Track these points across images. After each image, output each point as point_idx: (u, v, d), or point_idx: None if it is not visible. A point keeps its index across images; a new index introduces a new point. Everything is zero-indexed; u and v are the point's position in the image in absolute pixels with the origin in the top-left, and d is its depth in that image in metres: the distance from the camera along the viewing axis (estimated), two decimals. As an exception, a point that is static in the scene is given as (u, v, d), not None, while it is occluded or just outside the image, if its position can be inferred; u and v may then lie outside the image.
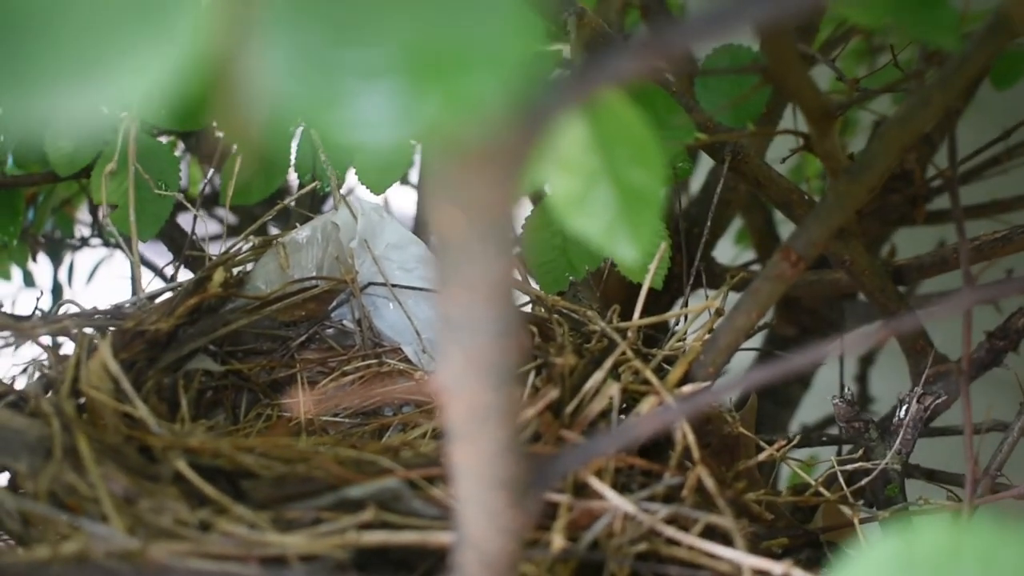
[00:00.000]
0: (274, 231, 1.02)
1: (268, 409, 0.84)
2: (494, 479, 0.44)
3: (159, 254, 1.22)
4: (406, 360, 0.86)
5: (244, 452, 0.62)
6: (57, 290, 1.48)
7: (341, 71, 0.22)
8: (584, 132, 0.46)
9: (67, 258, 1.49)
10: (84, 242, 1.46)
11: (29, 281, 1.46)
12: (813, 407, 1.46)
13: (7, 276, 1.42)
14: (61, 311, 0.79)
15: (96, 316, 0.77)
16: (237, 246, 0.84)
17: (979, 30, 0.61)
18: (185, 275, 0.94)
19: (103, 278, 1.51)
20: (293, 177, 0.99)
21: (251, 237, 0.84)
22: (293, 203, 1.00)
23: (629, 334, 0.76)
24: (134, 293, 0.84)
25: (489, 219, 0.35)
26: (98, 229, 1.43)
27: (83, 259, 1.52)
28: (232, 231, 0.95)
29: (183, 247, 1.09)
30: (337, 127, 0.22)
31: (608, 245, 0.48)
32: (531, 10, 0.24)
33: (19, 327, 0.73)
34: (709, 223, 0.91)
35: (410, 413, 0.84)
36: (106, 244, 1.44)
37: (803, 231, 0.67)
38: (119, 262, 1.48)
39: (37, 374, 0.71)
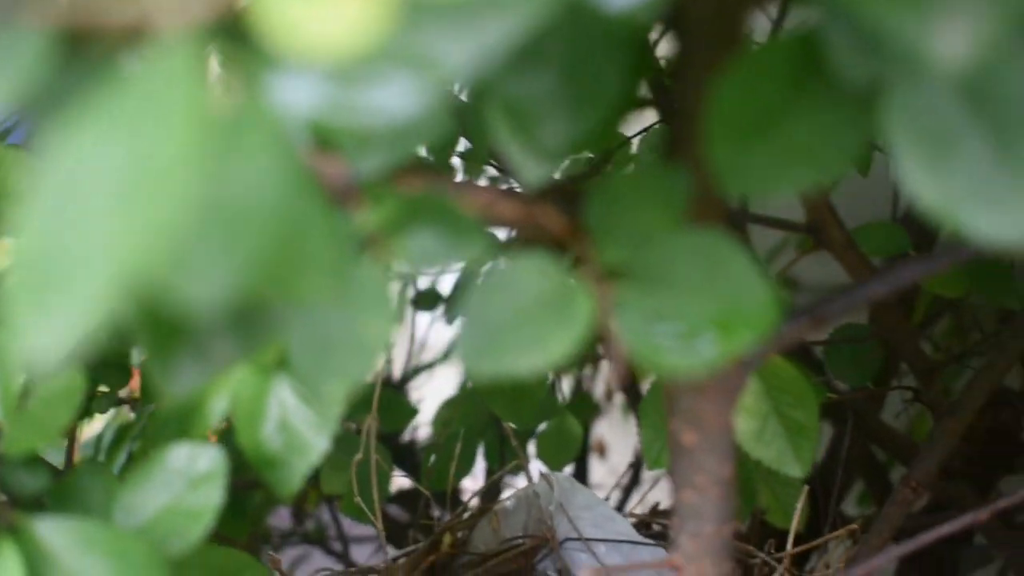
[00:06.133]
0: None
1: (490, 650, 1.02)
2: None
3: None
4: (600, 600, 1.04)
5: None
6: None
7: (666, 336, 0.42)
8: (757, 384, 0.66)
9: (263, 555, 1.66)
10: (284, 539, 1.62)
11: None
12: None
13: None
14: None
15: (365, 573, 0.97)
16: (458, 514, 1.04)
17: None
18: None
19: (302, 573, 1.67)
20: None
21: (469, 506, 1.04)
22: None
23: (784, 561, 0.94)
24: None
25: (716, 433, 0.54)
26: (299, 527, 1.61)
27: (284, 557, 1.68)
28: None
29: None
30: (667, 367, 0.42)
31: (779, 467, 0.67)
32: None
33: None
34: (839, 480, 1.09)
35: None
36: (305, 541, 1.61)
37: (919, 463, 0.86)
38: (317, 559, 1.63)
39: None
